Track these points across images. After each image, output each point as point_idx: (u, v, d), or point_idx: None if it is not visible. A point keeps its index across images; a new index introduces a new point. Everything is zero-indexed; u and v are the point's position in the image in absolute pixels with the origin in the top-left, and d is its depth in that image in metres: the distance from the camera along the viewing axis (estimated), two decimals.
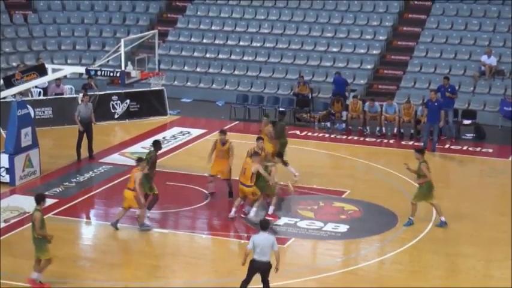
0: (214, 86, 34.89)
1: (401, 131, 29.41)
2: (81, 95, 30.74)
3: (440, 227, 20.64)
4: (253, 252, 16.05)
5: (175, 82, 35.13)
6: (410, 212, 20.74)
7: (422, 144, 27.51)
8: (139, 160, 20.36)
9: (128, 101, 31.30)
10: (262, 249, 15.94)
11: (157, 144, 21.65)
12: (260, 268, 16.10)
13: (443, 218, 20.75)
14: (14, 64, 34.90)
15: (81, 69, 27.34)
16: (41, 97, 31.00)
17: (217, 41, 36.65)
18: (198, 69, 35.69)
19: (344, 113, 30.13)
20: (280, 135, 24.00)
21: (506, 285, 17.75)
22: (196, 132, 29.43)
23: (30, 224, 16.93)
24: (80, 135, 25.81)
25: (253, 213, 20.84)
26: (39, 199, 17.05)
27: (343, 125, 30.05)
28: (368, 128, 29.84)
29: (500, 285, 17.80)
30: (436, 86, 32.13)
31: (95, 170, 24.97)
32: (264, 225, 16.20)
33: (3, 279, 17.36)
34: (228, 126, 29.63)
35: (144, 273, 18.08)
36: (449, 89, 29.08)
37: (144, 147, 27.23)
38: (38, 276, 17.00)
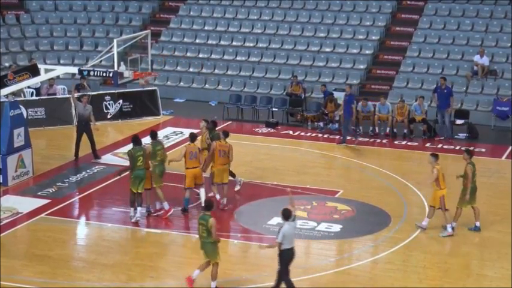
0: (207, 86, 34.87)
1: (394, 130, 29.46)
2: (74, 95, 30.76)
3: (473, 231, 20.42)
4: (282, 242, 16.25)
5: (168, 82, 35.11)
6: (453, 217, 20.33)
7: (342, 138, 28.33)
8: (194, 136, 21.55)
9: (120, 101, 31.26)
10: (292, 237, 16.35)
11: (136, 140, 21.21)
12: (293, 255, 16.48)
13: (478, 223, 20.53)
14: (7, 64, 34.81)
15: (74, 70, 27.26)
16: (34, 97, 30.94)
17: (210, 41, 36.63)
18: (191, 69, 35.67)
19: (337, 113, 30.14)
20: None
21: (500, 285, 17.78)
22: (189, 132, 29.31)
23: (203, 231, 16.76)
24: (77, 134, 25.73)
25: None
26: (210, 206, 17.00)
27: (336, 125, 30.05)
28: (361, 127, 29.87)
29: (494, 285, 17.82)
30: (428, 86, 32.28)
31: (88, 171, 24.93)
32: (287, 215, 16.39)
33: None
34: (221, 126, 29.61)
35: (138, 274, 18.06)
36: (445, 90, 29.17)
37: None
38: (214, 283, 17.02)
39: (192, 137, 21.60)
